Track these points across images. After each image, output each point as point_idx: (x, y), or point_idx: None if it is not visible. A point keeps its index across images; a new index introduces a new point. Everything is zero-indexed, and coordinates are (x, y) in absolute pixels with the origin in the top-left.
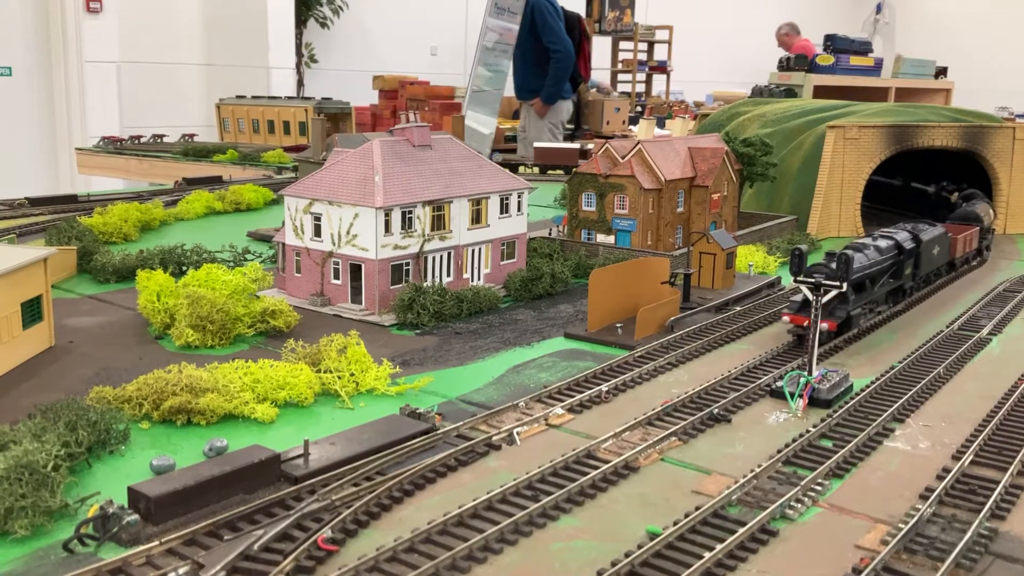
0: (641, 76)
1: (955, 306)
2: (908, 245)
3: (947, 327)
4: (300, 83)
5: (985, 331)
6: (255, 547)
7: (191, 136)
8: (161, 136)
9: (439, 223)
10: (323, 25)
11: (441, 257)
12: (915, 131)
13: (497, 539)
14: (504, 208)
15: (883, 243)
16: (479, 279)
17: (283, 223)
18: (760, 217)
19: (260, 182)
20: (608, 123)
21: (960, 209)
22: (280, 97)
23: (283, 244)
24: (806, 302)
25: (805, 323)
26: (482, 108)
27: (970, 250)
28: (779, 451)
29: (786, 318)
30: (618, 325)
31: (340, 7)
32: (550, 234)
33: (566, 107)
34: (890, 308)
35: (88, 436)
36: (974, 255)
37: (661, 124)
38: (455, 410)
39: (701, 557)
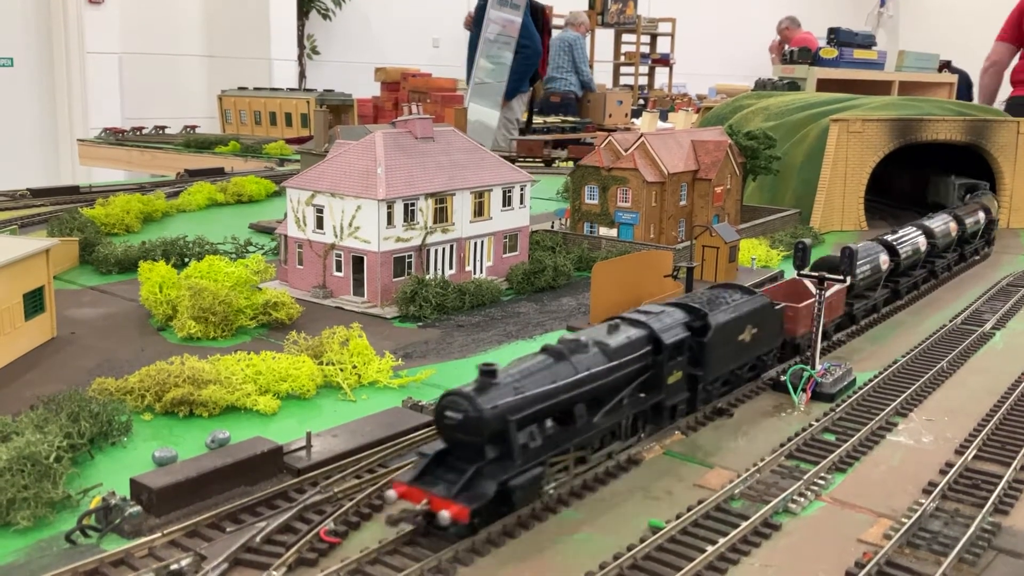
0: (644, 69)
1: (958, 300)
2: (670, 337)
3: (950, 321)
4: (302, 75)
5: (988, 326)
6: (257, 539)
7: (193, 128)
8: (163, 127)
9: (441, 215)
10: (325, 17)
11: (443, 250)
12: (919, 125)
13: (500, 532)
14: (506, 201)
15: (632, 332)
16: (481, 272)
17: (285, 215)
18: (763, 211)
19: (262, 174)
20: (611, 116)
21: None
22: (282, 89)
23: (285, 236)
24: (427, 469)
25: (422, 501)
26: (485, 100)
27: (837, 315)
28: (782, 445)
29: (393, 492)
30: None
31: None
32: (552, 227)
33: (520, 103)
34: (619, 449)
35: (90, 427)
36: (846, 319)
37: (664, 117)
38: None
39: (703, 551)
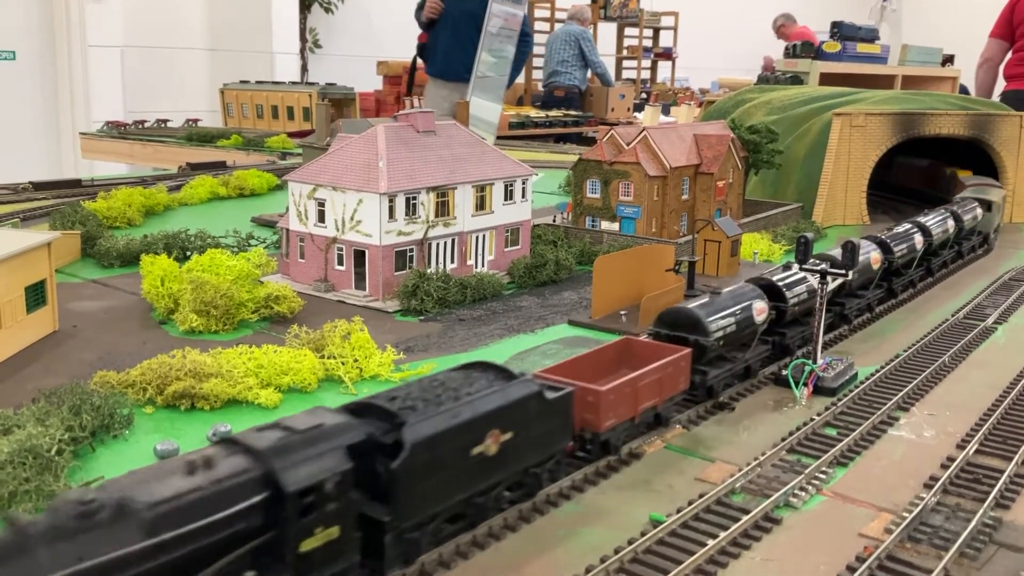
0: (646, 63)
1: (960, 295)
2: (304, 475)
3: (952, 316)
4: (304, 68)
5: (990, 320)
6: None
7: (195, 121)
8: (165, 121)
9: (443, 209)
10: (327, 10)
11: (445, 243)
12: (922, 119)
13: (501, 525)
14: (508, 194)
15: (221, 472)
16: (483, 266)
17: (287, 209)
18: (765, 205)
19: (264, 167)
20: (613, 110)
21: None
22: (284, 82)
23: (287, 230)
24: None
25: None
26: (486, 94)
27: (675, 392)
28: (783, 439)
29: None
30: (622, 312)
31: None
32: (554, 221)
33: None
34: None
35: (92, 420)
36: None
37: (666, 111)
38: None
39: (704, 545)
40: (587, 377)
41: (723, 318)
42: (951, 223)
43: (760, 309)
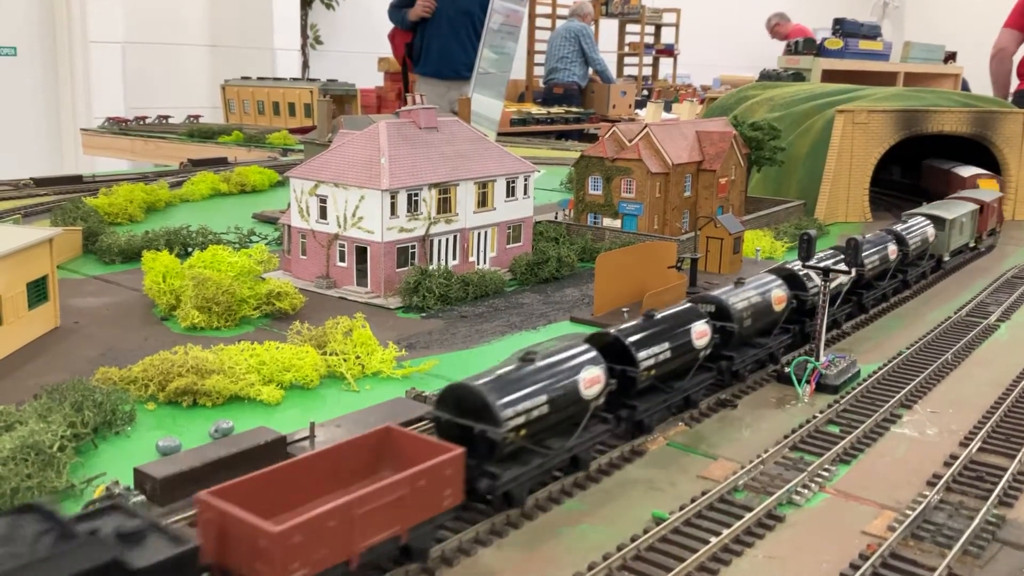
0: (648, 59)
1: (963, 292)
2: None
3: (955, 313)
4: (305, 64)
5: (993, 318)
6: None
7: (196, 117)
8: (166, 117)
9: (445, 206)
10: (328, 6)
11: (447, 240)
12: (924, 116)
13: (504, 522)
14: (510, 191)
15: None
16: (485, 262)
17: (288, 205)
18: (767, 202)
19: (265, 164)
20: (614, 107)
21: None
22: (285, 78)
23: (289, 226)
24: None
25: None
26: (488, 91)
27: (435, 513)
28: (786, 437)
29: None
30: (624, 309)
31: None
32: (556, 218)
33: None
34: None
35: (94, 417)
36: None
37: (668, 108)
38: None
39: (707, 542)
40: (303, 493)
41: (529, 397)
42: (892, 248)
43: (591, 380)
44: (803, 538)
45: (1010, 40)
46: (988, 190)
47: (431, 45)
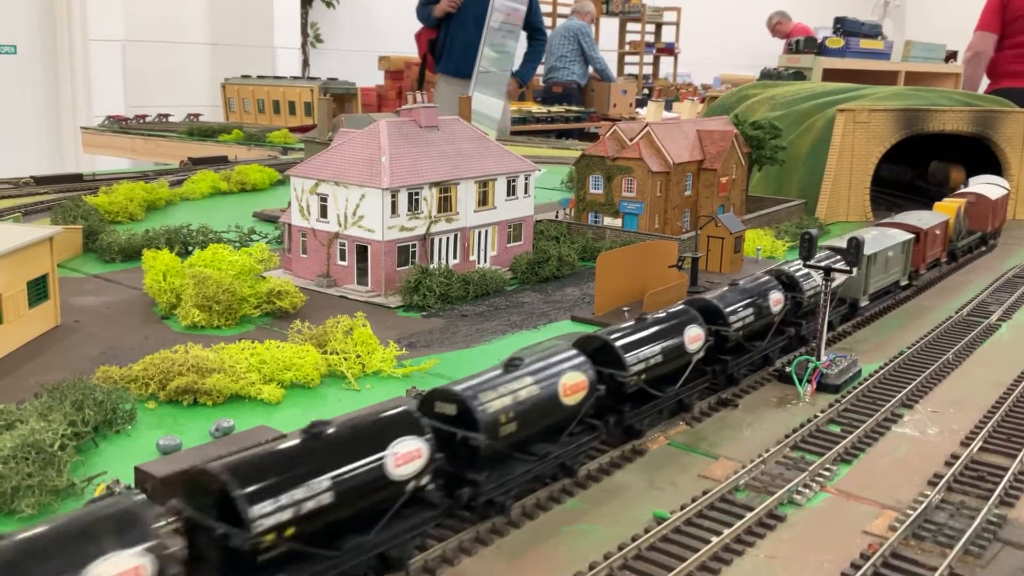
0: (648, 58)
1: (964, 292)
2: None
3: (956, 313)
4: (305, 63)
5: (994, 317)
6: None
7: (196, 116)
8: (166, 115)
9: (446, 205)
10: (328, 5)
11: (447, 239)
12: (925, 115)
13: (505, 522)
14: (511, 190)
15: None
16: (485, 261)
17: (289, 204)
18: (768, 201)
19: (266, 162)
20: (615, 105)
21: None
22: (285, 77)
23: (289, 225)
24: None
25: None
26: (488, 89)
27: None
28: (787, 436)
29: None
30: (625, 309)
31: None
32: (557, 217)
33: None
34: None
35: (94, 415)
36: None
37: (668, 107)
38: None
39: (708, 542)
40: None
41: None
42: (775, 297)
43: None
44: (804, 538)
45: (985, 43)
46: (938, 212)
47: (455, 40)
